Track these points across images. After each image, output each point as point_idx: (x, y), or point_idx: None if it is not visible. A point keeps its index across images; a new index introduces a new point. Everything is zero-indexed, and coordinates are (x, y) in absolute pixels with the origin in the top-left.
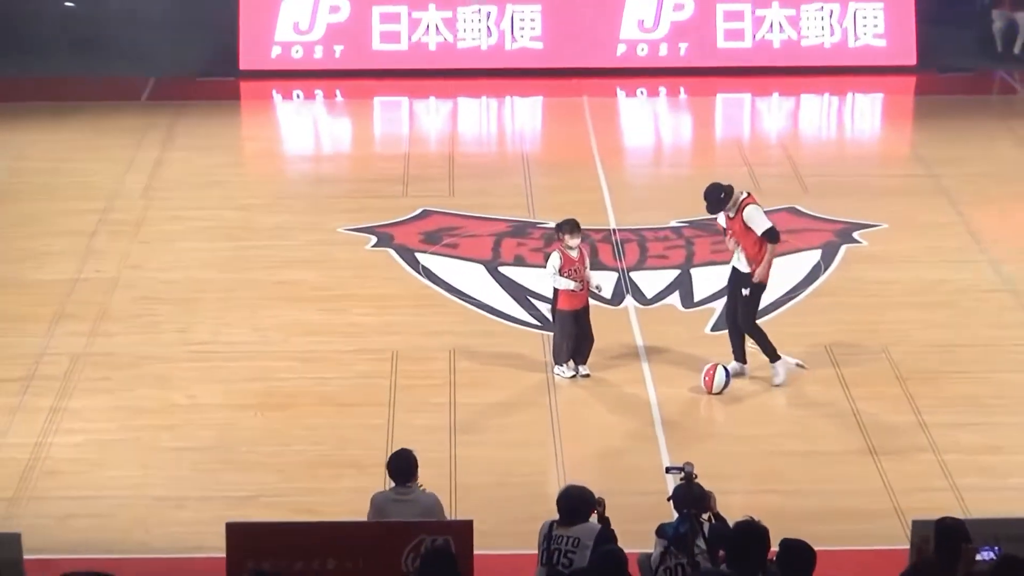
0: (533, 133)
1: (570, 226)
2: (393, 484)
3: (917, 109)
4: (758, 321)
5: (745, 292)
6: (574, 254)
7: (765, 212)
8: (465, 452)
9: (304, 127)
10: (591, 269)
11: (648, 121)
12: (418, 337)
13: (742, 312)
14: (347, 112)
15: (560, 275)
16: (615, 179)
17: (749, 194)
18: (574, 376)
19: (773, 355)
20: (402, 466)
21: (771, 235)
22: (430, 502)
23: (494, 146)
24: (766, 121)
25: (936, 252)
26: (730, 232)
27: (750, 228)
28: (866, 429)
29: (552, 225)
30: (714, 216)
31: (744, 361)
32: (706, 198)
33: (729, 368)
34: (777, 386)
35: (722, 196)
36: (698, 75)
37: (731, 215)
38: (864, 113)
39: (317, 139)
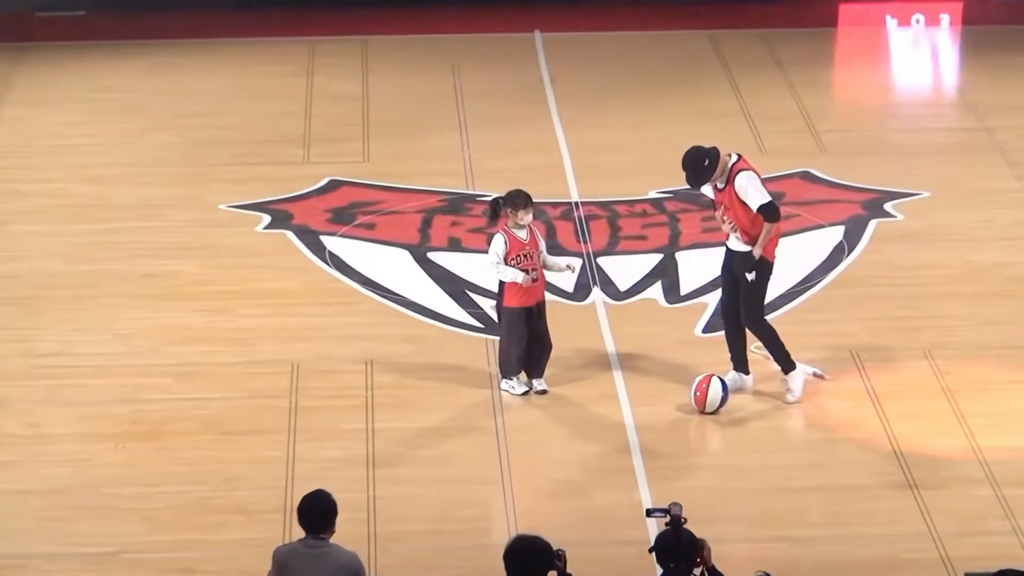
0: (471, 78)
1: (519, 199)
2: (303, 535)
3: (966, 43)
4: (767, 316)
5: (750, 277)
6: (524, 236)
7: (764, 180)
8: (387, 492)
9: (176, 74)
10: (549, 254)
11: (618, 60)
12: (325, 344)
13: (745, 305)
14: (233, 55)
15: (506, 263)
16: (577, 137)
17: (740, 156)
18: (527, 392)
19: (787, 362)
20: (318, 511)
21: (769, 212)
22: (347, 560)
23: (421, 96)
24: (770, 59)
25: (990, 228)
26: (721, 205)
27: (742, 199)
28: (903, 456)
29: (496, 198)
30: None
31: (746, 371)
32: (685, 168)
33: (727, 380)
34: (792, 403)
35: (706, 164)
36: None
37: (720, 185)
38: (897, 48)
39: (192, 89)
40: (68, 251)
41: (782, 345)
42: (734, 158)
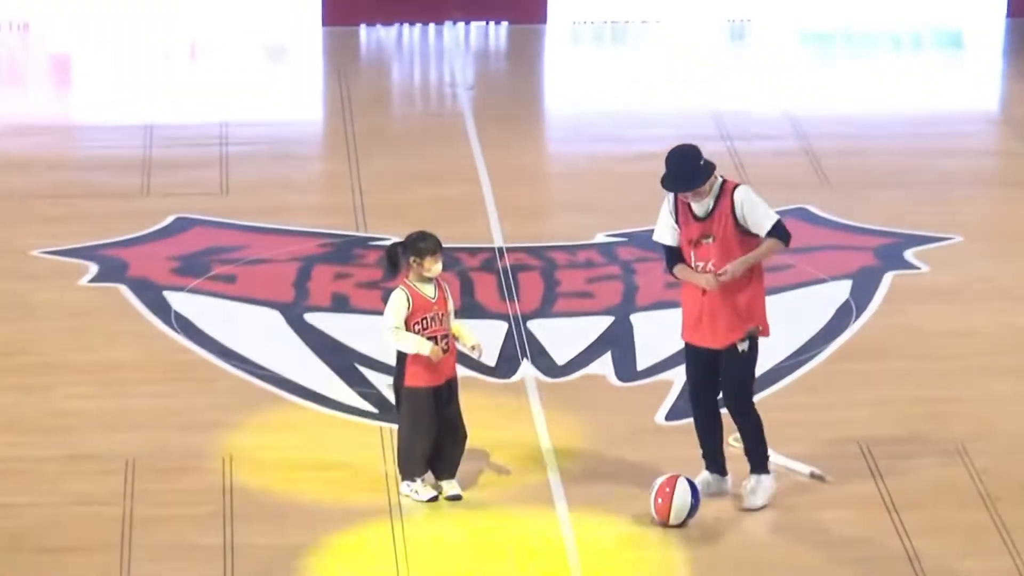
0: (361, 85)
1: (424, 245)
2: None
3: (1012, 40)
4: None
5: (741, 347)
6: (431, 292)
7: None
8: None
9: None
10: (459, 318)
11: (562, 62)
12: (170, 434)
13: (732, 385)
14: (53, 56)
15: (407, 328)
16: (504, 161)
17: (721, 179)
18: (434, 498)
19: (762, 460)
20: None
21: (785, 233)
22: None
23: (296, 106)
24: (759, 63)
25: None
26: (707, 237)
27: (744, 227)
28: None
29: (394, 244)
30: (680, 200)
31: (723, 471)
32: (671, 163)
33: (697, 483)
34: (751, 510)
35: (701, 164)
36: None
37: (702, 211)
38: (923, 48)
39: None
40: None
41: (764, 437)
42: (720, 179)
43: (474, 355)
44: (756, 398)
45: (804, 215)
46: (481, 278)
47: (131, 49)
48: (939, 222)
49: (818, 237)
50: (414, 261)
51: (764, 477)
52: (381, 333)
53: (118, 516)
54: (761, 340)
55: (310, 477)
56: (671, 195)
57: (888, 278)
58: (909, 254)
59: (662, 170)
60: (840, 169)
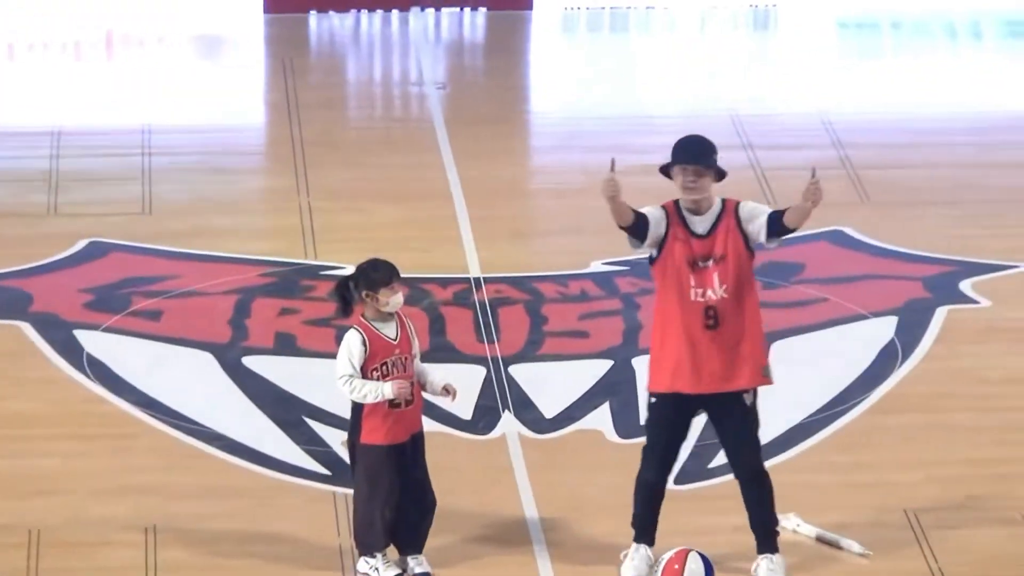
0: (310, 84)
1: (378, 275)
2: None
3: None
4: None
5: (747, 399)
6: (391, 333)
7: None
8: None
9: None
10: (426, 362)
11: (551, 55)
12: (83, 499)
13: (740, 439)
14: None
15: (364, 375)
16: (481, 174)
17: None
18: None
19: (772, 536)
20: None
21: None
22: None
23: (234, 109)
24: (789, 57)
25: None
26: (706, 259)
27: (751, 239)
28: None
29: (345, 277)
30: (674, 215)
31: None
32: (682, 141)
33: (637, 561)
34: None
35: (716, 158)
36: None
37: (703, 228)
38: (984, 39)
39: None
40: None
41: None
42: (719, 199)
43: (447, 400)
44: (783, 457)
45: (840, 239)
46: (454, 314)
47: (38, 42)
48: (1002, 247)
49: (857, 265)
50: (367, 296)
51: (777, 556)
52: (335, 382)
53: None
54: (790, 385)
55: (251, 552)
56: (662, 210)
57: (941, 313)
58: (966, 285)
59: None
60: (883, 184)
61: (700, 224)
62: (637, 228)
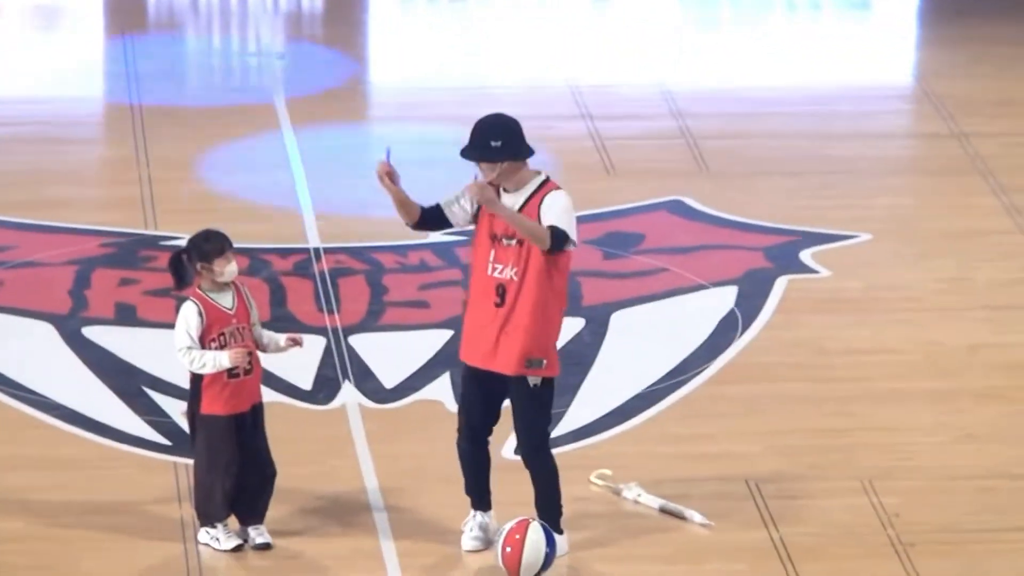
0: (150, 53)
1: (210, 246)
2: None
3: (929, 2)
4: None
5: (532, 381)
6: (227, 302)
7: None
8: None
9: None
10: (269, 328)
11: (390, 26)
12: None
13: (521, 420)
14: None
15: (203, 346)
16: (321, 145)
17: (549, 179)
18: (239, 547)
19: (554, 518)
20: None
21: (558, 234)
22: None
23: (73, 77)
24: (627, 27)
25: (966, 290)
26: (510, 238)
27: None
28: None
29: (179, 250)
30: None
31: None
32: (475, 128)
33: (474, 530)
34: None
35: (509, 139)
36: None
37: (519, 201)
38: (823, 11)
39: None
40: None
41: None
42: (543, 176)
43: (296, 349)
44: (624, 427)
45: (680, 208)
46: (294, 284)
47: None
48: (843, 218)
49: (697, 235)
50: (202, 267)
51: (561, 537)
52: (175, 350)
53: None
54: (629, 356)
55: (91, 523)
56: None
57: (781, 283)
58: (806, 255)
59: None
60: (723, 154)
61: (508, 200)
62: (426, 223)
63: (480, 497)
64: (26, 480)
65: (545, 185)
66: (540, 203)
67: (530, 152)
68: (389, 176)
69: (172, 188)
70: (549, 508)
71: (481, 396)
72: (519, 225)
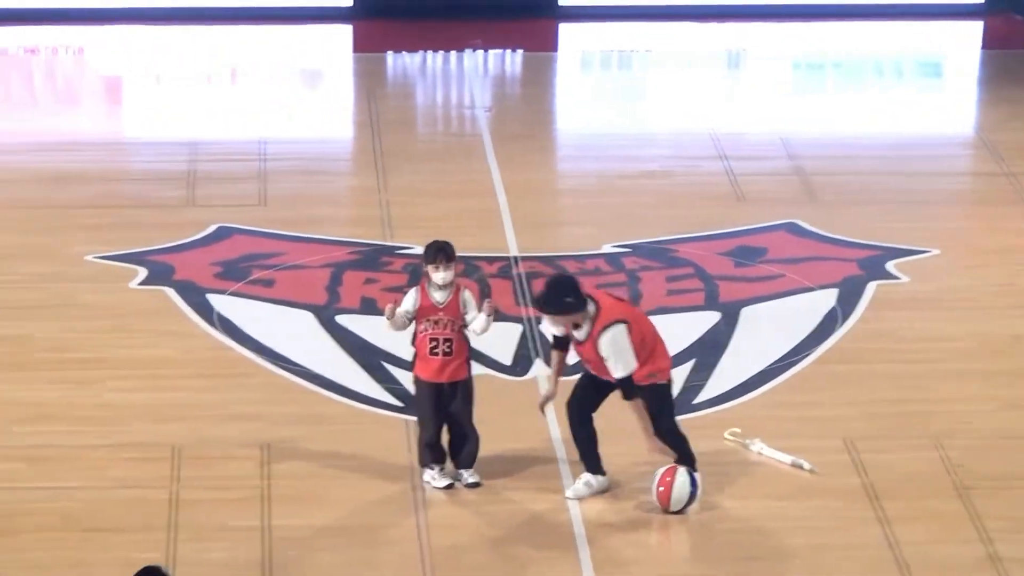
0: (388, 106)
1: (426, 253)
2: None
3: (987, 70)
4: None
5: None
6: (440, 298)
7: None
8: None
9: (29, 96)
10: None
11: (572, 86)
12: (211, 425)
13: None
14: (105, 79)
15: (416, 325)
16: (518, 177)
17: (596, 309)
18: (450, 485)
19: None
20: None
21: (626, 383)
22: None
23: (332, 125)
24: (754, 89)
25: (1012, 293)
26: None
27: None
28: (907, 567)
29: (419, 252)
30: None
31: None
32: (552, 292)
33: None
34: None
35: (577, 296)
36: (658, 16)
37: (585, 332)
38: (905, 77)
39: (51, 114)
40: None
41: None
42: (591, 309)
43: (487, 312)
44: (750, 396)
45: (794, 229)
46: (498, 284)
47: (177, 72)
48: (919, 237)
49: (807, 249)
50: (424, 269)
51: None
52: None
53: (163, 499)
54: (755, 341)
55: (340, 464)
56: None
57: (871, 287)
58: (891, 265)
59: (664, 187)
60: (828, 187)
61: (577, 334)
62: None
63: (592, 462)
64: (292, 432)
65: (596, 319)
66: (597, 341)
67: (585, 303)
68: (547, 399)
69: (405, 210)
70: (687, 463)
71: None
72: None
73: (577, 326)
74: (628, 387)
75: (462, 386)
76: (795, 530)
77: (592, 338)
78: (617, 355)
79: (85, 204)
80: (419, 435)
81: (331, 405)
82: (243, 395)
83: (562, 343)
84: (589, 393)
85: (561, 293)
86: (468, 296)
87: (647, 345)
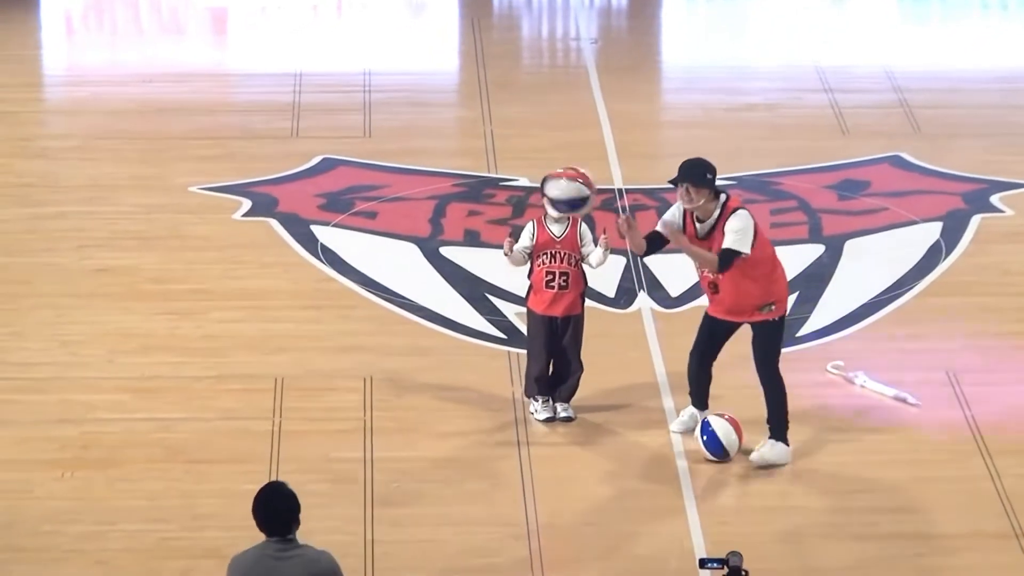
0: (493, 38)
1: (543, 183)
2: (266, 539)
3: None
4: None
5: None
6: (558, 231)
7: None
8: (388, 535)
9: (135, 27)
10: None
11: (678, 19)
12: (315, 356)
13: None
14: (211, 9)
15: (533, 259)
16: (623, 109)
17: (728, 197)
18: (550, 419)
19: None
20: (278, 508)
21: (725, 257)
22: (324, 565)
23: (434, 57)
24: (859, 21)
25: None
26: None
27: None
28: (1010, 501)
29: (523, 184)
30: (687, 212)
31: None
32: (693, 167)
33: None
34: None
35: (714, 177)
36: None
37: (709, 226)
38: (1010, 9)
39: (156, 45)
40: (3, 241)
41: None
42: (723, 198)
43: (602, 242)
44: (853, 328)
45: (898, 162)
46: (602, 217)
47: (283, 4)
48: (1022, 169)
49: (911, 182)
50: (542, 196)
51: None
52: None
53: (266, 431)
54: (858, 274)
55: (444, 396)
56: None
57: (975, 220)
58: (995, 198)
59: (768, 119)
60: (932, 120)
61: (702, 228)
62: (653, 248)
63: (699, 400)
64: (395, 364)
65: (725, 207)
66: (726, 223)
67: (718, 192)
68: (628, 223)
69: (509, 142)
70: (774, 421)
71: (713, 332)
72: (694, 256)
73: (700, 220)
74: (727, 262)
75: (575, 321)
76: (897, 463)
77: (723, 220)
78: (741, 232)
79: (190, 135)
80: (527, 367)
81: (435, 337)
82: (347, 327)
83: (656, 243)
84: (709, 345)
85: (704, 169)
86: (585, 229)
87: (767, 255)
